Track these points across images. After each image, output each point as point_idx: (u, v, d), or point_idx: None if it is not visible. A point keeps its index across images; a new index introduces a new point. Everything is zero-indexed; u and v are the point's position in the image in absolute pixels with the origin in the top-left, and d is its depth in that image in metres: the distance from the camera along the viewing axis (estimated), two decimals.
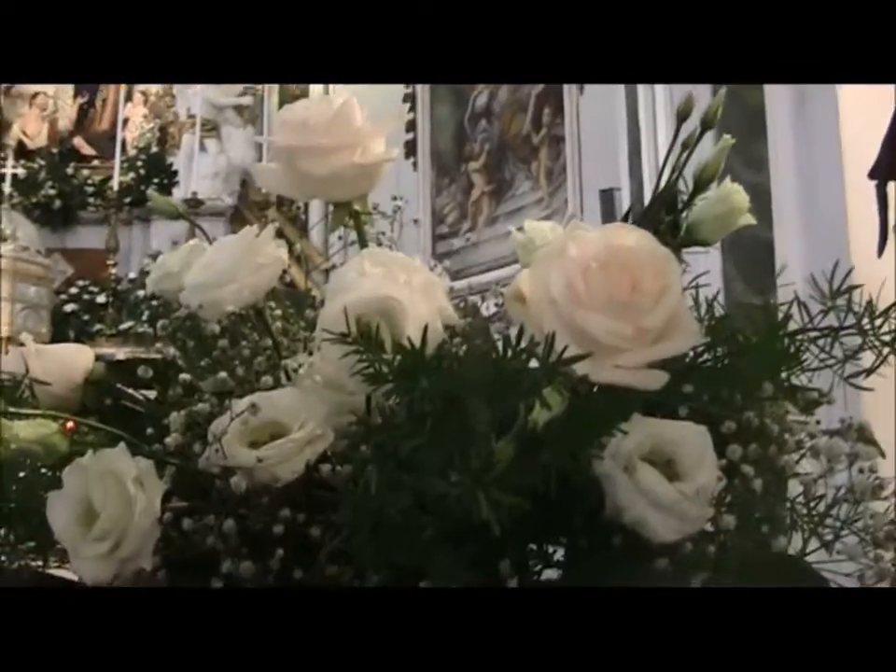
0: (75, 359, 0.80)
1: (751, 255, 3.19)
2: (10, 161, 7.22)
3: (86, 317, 6.78)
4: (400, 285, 0.64)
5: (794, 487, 0.72)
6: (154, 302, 6.42)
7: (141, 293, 6.56)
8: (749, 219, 0.78)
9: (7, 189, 6.97)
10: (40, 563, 0.76)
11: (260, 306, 0.75)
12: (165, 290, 0.85)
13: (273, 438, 0.65)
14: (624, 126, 4.15)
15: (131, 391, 0.80)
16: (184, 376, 0.69)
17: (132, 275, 6.88)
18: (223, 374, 0.69)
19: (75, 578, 0.77)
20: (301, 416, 0.65)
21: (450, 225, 5.88)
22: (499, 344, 0.51)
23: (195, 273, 0.74)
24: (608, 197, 4.11)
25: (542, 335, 0.56)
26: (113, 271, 6.90)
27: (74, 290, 7.01)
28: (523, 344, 0.54)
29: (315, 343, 0.65)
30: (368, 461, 0.51)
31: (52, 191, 7.47)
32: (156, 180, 7.31)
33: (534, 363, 0.49)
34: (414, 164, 5.93)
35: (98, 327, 6.68)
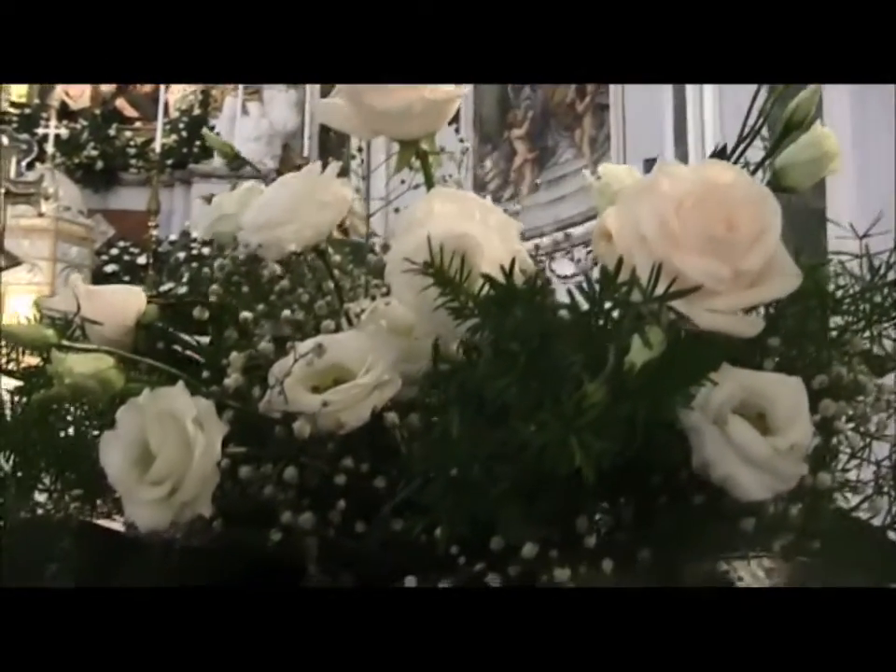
0: (127, 301, 0.77)
1: (803, 225, 3.12)
2: (53, 122, 7.22)
3: (126, 278, 6.77)
4: (476, 222, 0.60)
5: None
6: (194, 265, 6.42)
7: (181, 255, 6.56)
8: (838, 166, 0.73)
9: (49, 149, 6.97)
10: (88, 512, 0.74)
11: (322, 247, 0.71)
12: (220, 233, 0.82)
13: (337, 383, 0.62)
14: (670, 94, 4.09)
15: (184, 335, 0.77)
16: (245, 314, 0.65)
17: (172, 237, 6.87)
18: (286, 313, 0.66)
19: (122, 528, 0.75)
20: (368, 360, 0.61)
21: (492, 192, 5.82)
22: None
23: (255, 212, 0.70)
24: (652, 166, 4.05)
25: (629, 275, 0.52)
26: (154, 232, 6.88)
27: (114, 251, 7.01)
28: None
29: (386, 280, 0.62)
30: (449, 404, 0.47)
31: (94, 152, 7.47)
32: (198, 143, 7.29)
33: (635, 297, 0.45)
34: (457, 130, 5.88)
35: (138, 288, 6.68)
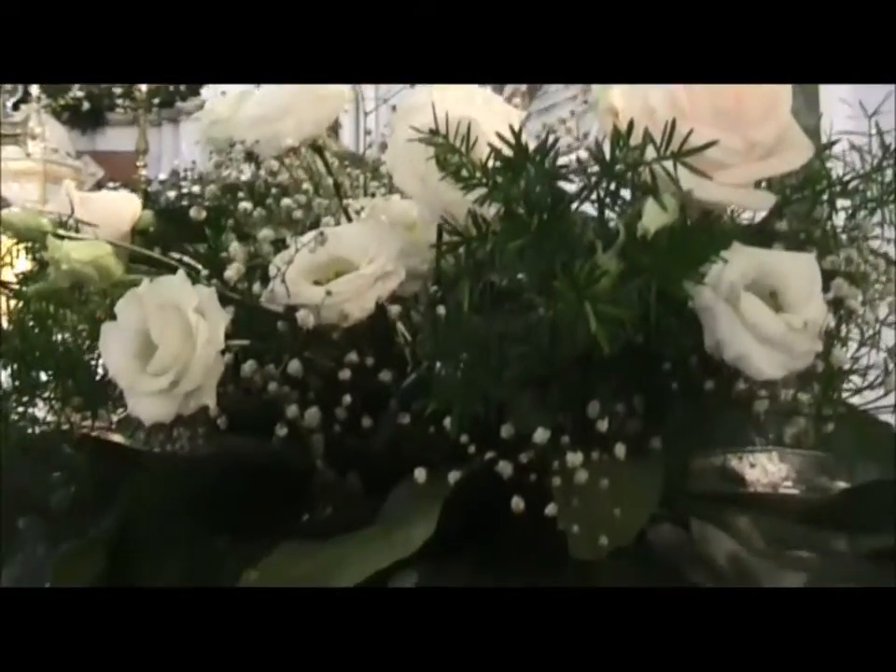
0: (121, 207, 0.75)
1: None
2: None
3: None
4: (478, 107, 0.58)
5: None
6: (184, 203, 6.35)
7: (171, 194, 6.48)
8: None
9: (35, 91, 6.89)
10: (89, 422, 0.73)
11: (320, 143, 0.69)
12: (214, 138, 0.80)
13: (339, 276, 0.61)
14: None
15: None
16: (244, 204, 0.64)
17: (162, 177, 6.81)
18: (287, 201, 0.64)
19: (125, 443, 0.74)
20: (370, 252, 0.60)
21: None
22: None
23: (251, 107, 0.69)
24: None
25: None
26: (143, 172, 6.82)
27: None
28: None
29: (388, 168, 0.60)
30: (460, 277, 0.46)
31: (80, 93, 7.38)
32: None
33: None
34: None
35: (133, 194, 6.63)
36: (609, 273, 0.43)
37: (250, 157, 0.71)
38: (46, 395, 0.70)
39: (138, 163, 6.77)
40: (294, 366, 0.58)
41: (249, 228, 0.70)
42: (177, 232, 0.77)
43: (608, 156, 0.45)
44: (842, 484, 0.76)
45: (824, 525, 0.65)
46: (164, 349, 0.52)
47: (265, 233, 0.61)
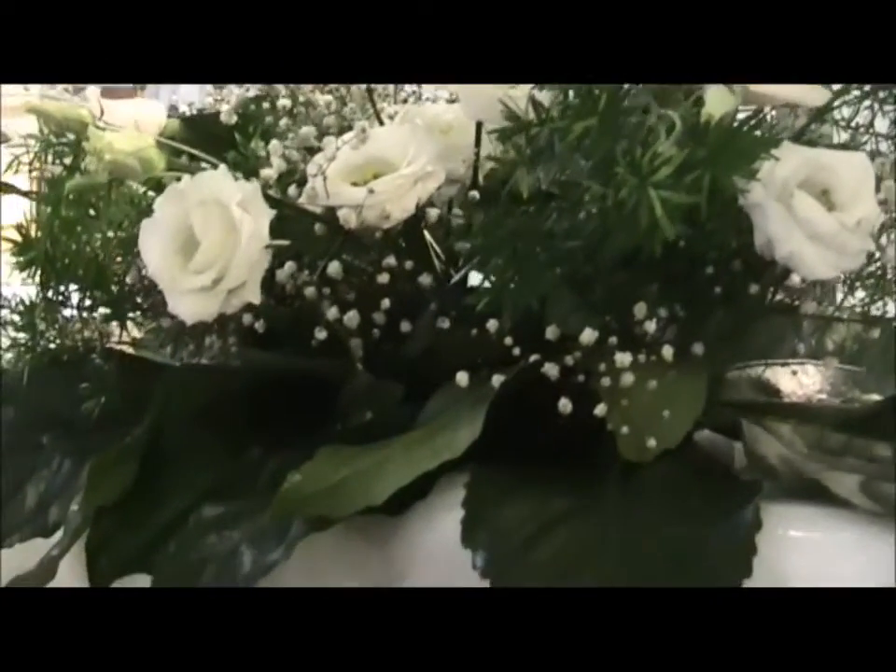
0: (147, 115, 0.74)
1: None
2: None
3: None
4: None
5: None
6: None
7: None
8: None
9: None
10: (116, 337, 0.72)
11: None
12: None
13: (377, 178, 0.59)
14: None
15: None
16: (283, 101, 0.62)
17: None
18: (319, 105, 0.62)
19: (156, 358, 0.73)
20: (410, 152, 0.58)
21: None
22: None
23: None
24: None
25: None
26: None
27: None
28: None
29: None
30: (519, 164, 0.45)
31: None
32: None
33: None
34: None
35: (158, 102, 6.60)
36: (670, 161, 0.42)
37: None
38: (73, 305, 0.69)
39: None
40: (334, 267, 0.57)
41: (278, 136, 0.69)
42: (203, 141, 0.75)
43: None
44: (874, 397, 0.76)
45: (864, 433, 0.64)
46: (207, 245, 0.51)
47: (306, 131, 0.59)
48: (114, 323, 0.70)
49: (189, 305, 0.52)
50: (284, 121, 0.68)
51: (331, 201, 0.57)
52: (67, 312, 0.70)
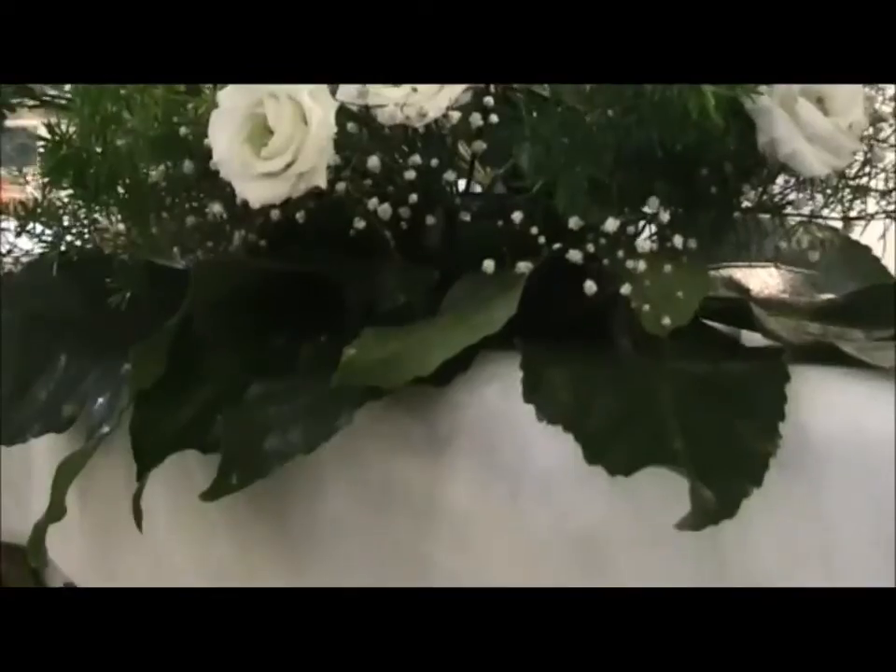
0: None
1: None
2: None
3: (9, 89, 6.49)
4: None
5: None
6: None
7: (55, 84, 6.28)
8: None
9: None
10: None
11: None
12: None
13: None
14: None
15: None
16: None
17: None
18: None
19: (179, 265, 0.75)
20: None
21: None
22: None
23: None
24: None
25: None
26: None
27: None
28: None
29: None
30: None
31: None
32: None
33: None
34: None
35: (19, 99, 6.41)
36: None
37: None
38: (100, 205, 0.72)
39: None
40: (373, 161, 0.61)
41: None
42: None
43: None
44: (828, 296, 0.83)
45: (835, 321, 0.71)
46: (280, 132, 0.55)
47: None
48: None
49: (259, 189, 0.56)
50: None
51: (371, 99, 0.61)
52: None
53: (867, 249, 0.83)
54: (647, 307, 0.59)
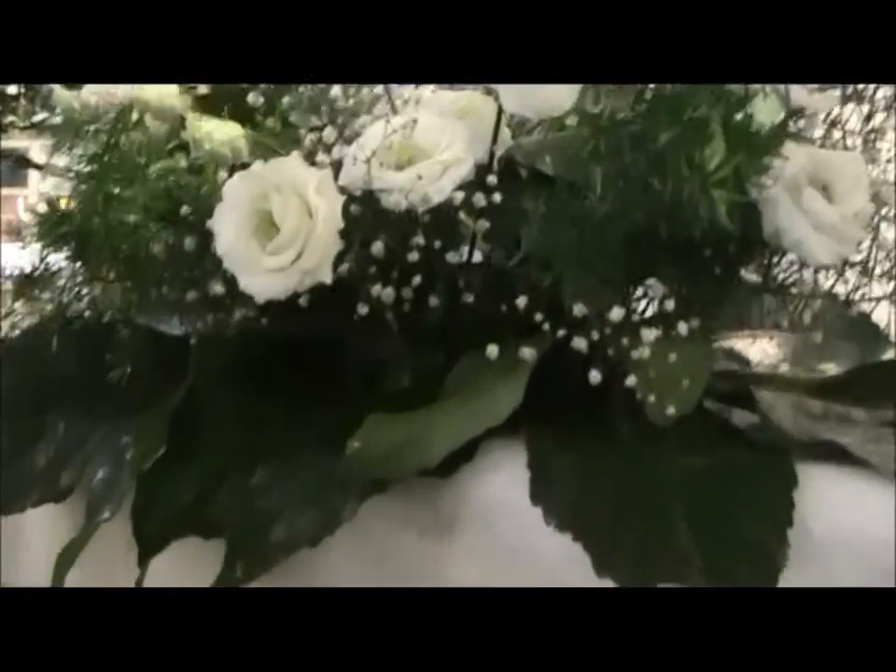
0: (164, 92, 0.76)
1: None
2: None
3: None
4: None
5: None
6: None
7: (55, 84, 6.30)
8: None
9: None
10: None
11: None
12: None
13: (410, 163, 0.63)
14: None
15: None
16: (335, 91, 0.66)
17: None
18: (336, 90, 0.66)
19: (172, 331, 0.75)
20: (445, 139, 0.63)
21: None
22: None
23: None
24: None
25: None
26: None
27: None
28: None
29: None
30: (591, 160, 0.50)
31: None
32: None
33: None
34: None
35: (10, 119, 6.41)
36: (728, 162, 0.48)
37: None
38: (102, 277, 0.72)
39: None
40: (377, 247, 0.61)
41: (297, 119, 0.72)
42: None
43: None
44: (830, 365, 0.83)
45: (838, 399, 0.71)
46: (286, 228, 0.55)
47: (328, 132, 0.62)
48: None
49: (264, 284, 0.56)
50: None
51: (375, 184, 0.61)
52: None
53: (866, 315, 0.83)
54: (651, 398, 0.59)
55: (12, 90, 6.91)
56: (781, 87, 0.49)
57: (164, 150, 0.58)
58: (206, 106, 0.67)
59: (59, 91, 0.70)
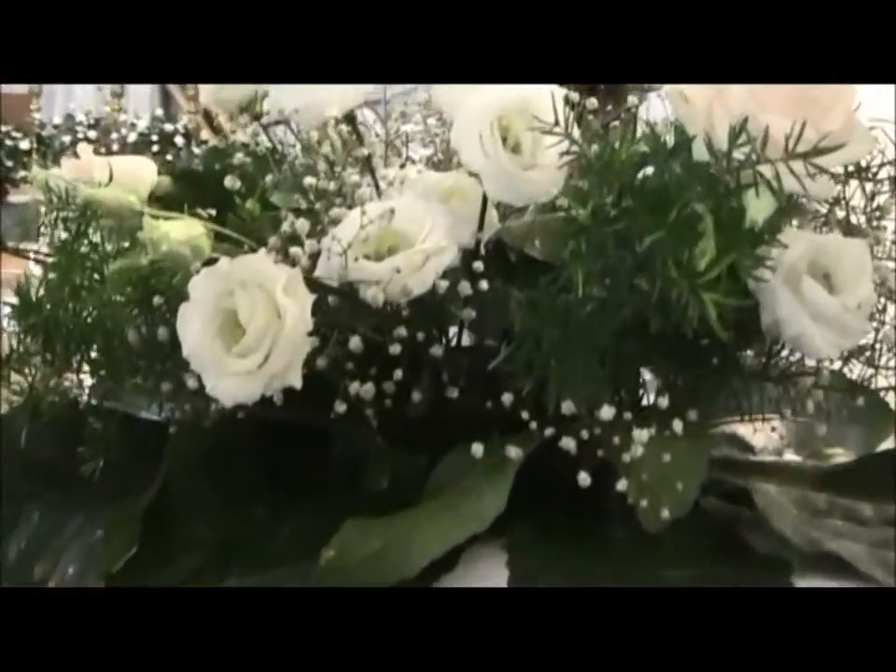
0: (138, 172, 0.74)
1: None
2: None
3: (9, 164, 6.52)
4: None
5: None
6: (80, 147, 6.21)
7: (66, 139, 6.36)
8: None
9: None
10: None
11: (353, 114, 0.69)
12: (223, 100, 0.79)
13: (391, 251, 0.61)
14: None
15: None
16: (309, 180, 0.63)
17: (56, 120, 6.63)
18: (310, 180, 0.63)
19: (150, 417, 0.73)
20: (426, 226, 0.60)
21: None
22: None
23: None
24: None
25: (711, 133, 0.52)
26: (36, 116, 6.63)
27: None
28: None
29: (453, 145, 0.60)
30: (573, 262, 0.47)
31: None
32: None
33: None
34: None
35: (22, 173, 6.44)
36: (714, 261, 0.45)
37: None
38: (73, 367, 0.69)
39: (31, 106, 6.58)
40: (355, 343, 0.58)
41: (279, 199, 0.70)
42: (194, 197, 0.76)
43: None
44: (838, 450, 0.80)
45: (844, 492, 0.68)
46: (252, 329, 0.51)
47: (301, 224, 0.60)
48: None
49: (231, 388, 0.53)
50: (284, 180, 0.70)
51: (352, 275, 0.58)
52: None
53: (876, 394, 0.80)
54: (644, 502, 0.55)
55: (24, 145, 6.95)
56: (774, 182, 0.46)
57: (124, 249, 0.55)
58: (174, 197, 0.65)
59: (35, 169, 0.68)
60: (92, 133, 6.46)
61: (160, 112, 6.56)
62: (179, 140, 6.30)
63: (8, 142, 6.64)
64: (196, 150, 5.68)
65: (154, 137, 6.34)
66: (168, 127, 6.41)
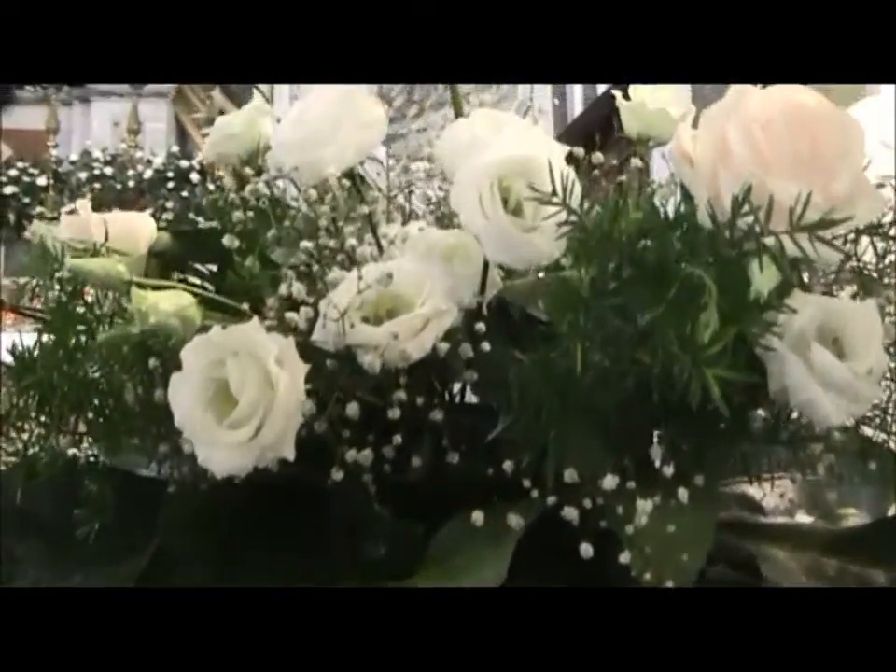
0: (137, 227, 0.73)
1: None
2: None
3: (26, 200, 6.57)
4: (541, 145, 0.58)
5: None
6: (97, 185, 6.25)
7: (83, 175, 6.40)
8: None
9: None
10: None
11: (354, 171, 0.68)
12: (224, 154, 0.78)
13: (391, 314, 0.60)
14: None
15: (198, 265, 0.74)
16: (306, 244, 0.62)
17: (72, 157, 6.68)
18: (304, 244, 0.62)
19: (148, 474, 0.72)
20: (426, 289, 0.59)
21: (396, 109, 5.79)
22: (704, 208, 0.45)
23: (286, 131, 0.67)
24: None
25: (715, 198, 0.51)
26: (53, 152, 6.68)
27: (13, 172, 6.76)
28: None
29: (452, 206, 0.59)
30: (571, 336, 0.46)
31: None
32: None
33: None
34: None
35: (39, 210, 6.48)
36: (717, 335, 0.43)
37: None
38: (68, 429, 0.68)
39: (48, 143, 6.63)
40: (353, 409, 0.57)
41: (279, 256, 0.69)
42: (195, 254, 0.75)
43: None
44: (850, 510, 0.78)
45: (857, 558, 0.66)
46: (244, 400, 0.50)
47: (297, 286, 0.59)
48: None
49: (223, 460, 0.51)
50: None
51: (350, 339, 0.57)
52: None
53: (888, 451, 0.78)
54: (648, 576, 0.54)
55: (41, 181, 6.99)
56: (778, 254, 0.44)
57: (114, 318, 0.54)
58: (174, 253, 0.64)
59: (36, 223, 0.67)
60: (108, 170, 6.50)
61: (175, 149, 6.60)
62: (195, 176, 6.34)
63: (26, 178, 6.69)
64: (211, 187, 5.70)
65: (170, 174, 6.38)
66: (184, 163, 6.45)
